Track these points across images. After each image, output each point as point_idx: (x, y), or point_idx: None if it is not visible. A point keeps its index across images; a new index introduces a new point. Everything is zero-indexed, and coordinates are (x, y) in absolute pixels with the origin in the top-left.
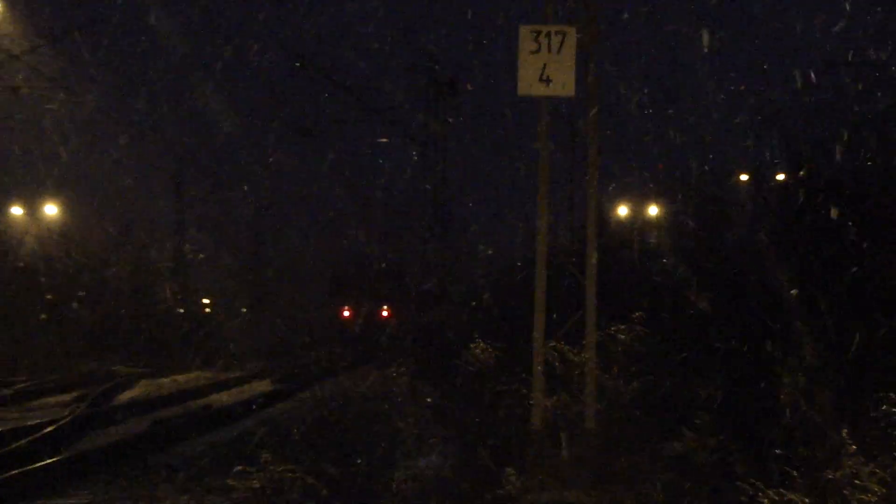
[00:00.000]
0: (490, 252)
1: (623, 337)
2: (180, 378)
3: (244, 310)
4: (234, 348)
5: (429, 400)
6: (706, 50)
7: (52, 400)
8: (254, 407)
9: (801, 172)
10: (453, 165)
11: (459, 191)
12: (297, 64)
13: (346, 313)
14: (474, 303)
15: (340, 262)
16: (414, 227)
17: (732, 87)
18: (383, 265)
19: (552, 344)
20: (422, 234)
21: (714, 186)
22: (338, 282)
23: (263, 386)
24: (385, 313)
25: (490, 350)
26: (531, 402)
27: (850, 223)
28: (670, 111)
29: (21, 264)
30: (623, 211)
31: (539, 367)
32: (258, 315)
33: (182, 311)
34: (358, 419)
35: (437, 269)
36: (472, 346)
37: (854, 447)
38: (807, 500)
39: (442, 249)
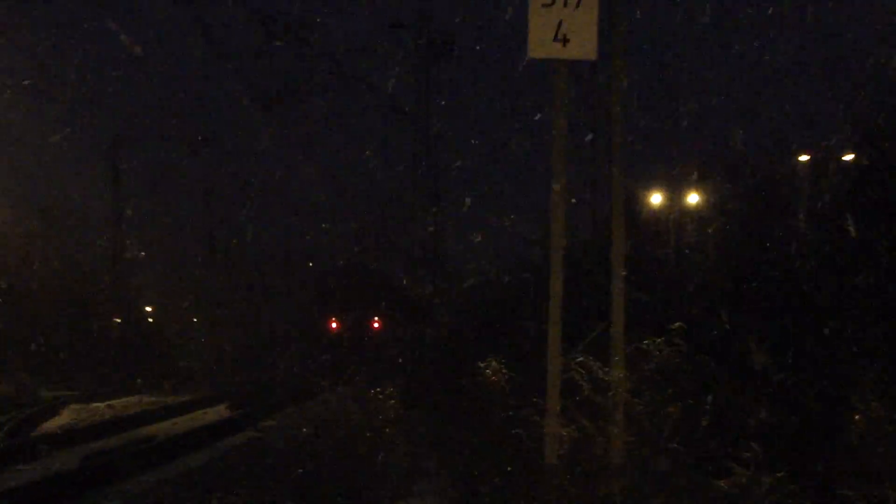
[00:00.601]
0: (496, 249)
1: (658, 352)
2: (117, 402)
3: (196, 319)
4: (183, 366)
5: (422, 430)
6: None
7: None
8: (207, 438)
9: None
10: (450, 145)
11: (457, 176)
12: (259, 21)
13: (334, 325)
14: (478, 311)
15: (321, 265)
16: (403, 220)
17: (792, 46)
18: (372, 268)
19: (578, 358)
20: (412, 230)
21: (768, 168)
22: (324, 289)
23: (220, 412)
24: (376, 325)
25: (503, 370)
26: (545, 431)
27: None
28: (712, 78)
29: None
30: (657, 199)
31: (554, 389)
32: (214, 325)
33: (119, 320)
34: (336, 451)
35: (431, 272)
36: (481, 364)
37: None
38: None
39: (437, 248)
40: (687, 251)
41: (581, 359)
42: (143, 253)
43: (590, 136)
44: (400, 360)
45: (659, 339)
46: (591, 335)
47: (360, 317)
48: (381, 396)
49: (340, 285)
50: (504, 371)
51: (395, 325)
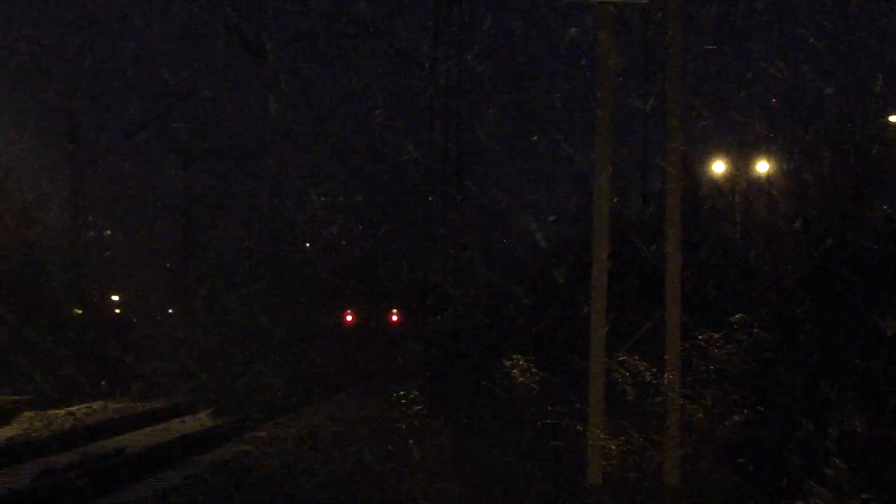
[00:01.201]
0: (529, 229)
1: (718, 350)
2: (78, 409)
3: (171, 310)
4: (156, 365)
5: (444, 442)
6: None
7: None
8: (184, 453)
9: None
10: (474, 105)
11: (484, 143)
12: None
13: (349, 318)
14: (504, 301)
15: (332, 250)
16: (419, 196)
17: None
18: (389, 255)
19: (620, 358)
20: (431, 206)
21: (856, 131)
22: (338, 279)
23: (201, 420)
24: (395, 318)
25: (533, 369)
26: (589, 443)
27: None
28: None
29: None
30: (719, 168)
31: (598, 394)
32: (193, 318)
33: (80, 311)
34: (342, 472)
35: (451, 256)
36: (506, 362)
37: None
38: None
39: (458, 227)
40: (756, 229)
41: (622, 358)
42: (107, 231)
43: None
44: (420, 359)
45: (719, 335)
46: (641, 330)
47: (380, 309)
48: (403, 402)
49: (355, 273)
50: (534, 370)
51: (413, 318)
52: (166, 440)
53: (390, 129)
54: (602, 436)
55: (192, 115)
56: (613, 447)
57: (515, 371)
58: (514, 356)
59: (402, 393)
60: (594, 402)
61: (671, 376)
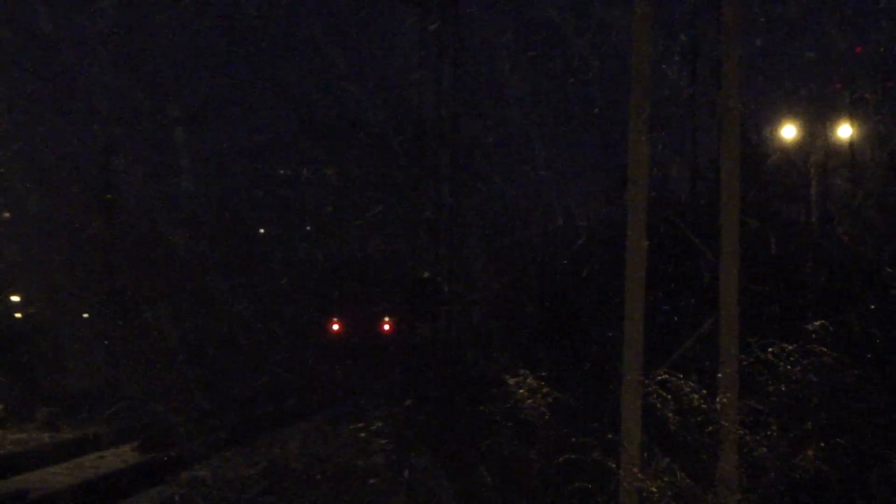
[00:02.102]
0: (546, 214)
1: (791, 367)
2: None
3: (86, 315)
4: (71, 385)
5: (431, 483)
6: None
7: None
8: (102, 497)
9: None
10: (480, 64)
11: (487, 110)
12: None
13: (336, 327)
14: (512, 303)
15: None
16: (403, 167)
17: None
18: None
19: (661, 376)
20: (419, 179)
21: None
22: (324, 282)
23: (122, 456)
24: (387, 327)
25: (543, 389)
26: (623, 485)
27: None
28: None
29: None
30: (790, 133)
31: (633, 421)
32: (115, 324)
33: None
34: None
35: (446, 248)
36: (510, 380)
37: None
38: None
39: (457, 211)
40: (837, 210)
41: (663, 376)
42: (6, 213)
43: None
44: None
45: (791, 346)
46: (689, 339)
47: (369, 317)
48: (362, 435)
49: (344, 276)
50: (546, 391)
51: (403, 326)
52: (81, 481)
53: (363, 76)
54: (639, 475)
55: (121, 63)
56: (654, 490)
57: (522, 391)
58: (522, 372)
59: (360, 425)
60: (628, 431)
61: (725, 399)
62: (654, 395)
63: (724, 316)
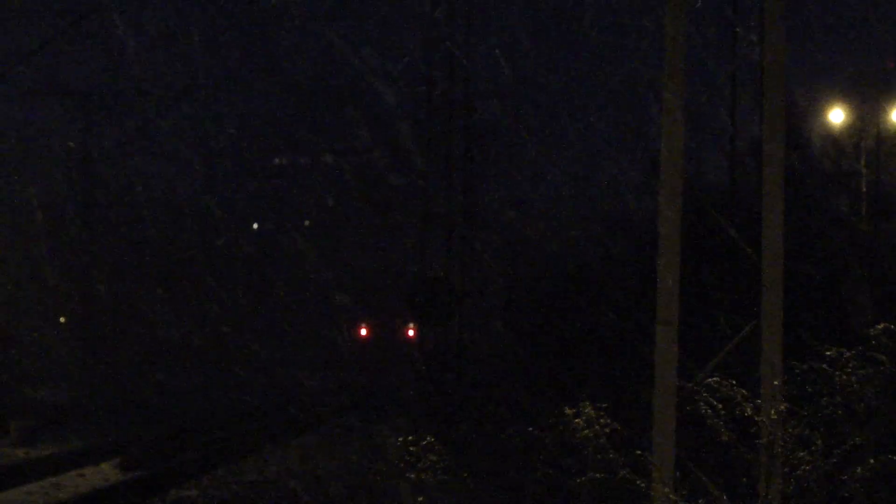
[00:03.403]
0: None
1: (847, 377)
2: None
3: (63, 319)
4: (43, 396)
5: None
6: None
7: None
8: None
9: None
10: (495, 41)
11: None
12: None
13: (364, 332)
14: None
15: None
16: (411, 154)
17: None
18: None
19: (707, 380)
20: (427, 168)
21: None
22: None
23: (104, 474)
24: (411, 332)
25: (602, 419)
26: None
27: None
28: None
29: None
30: (838, 117)
31: (666, 433)
32: (94, 330)
33: None
34: None
35: (458, 242)
36: (568, 411)
37: None
38: None
39: (468, 199)
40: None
41: (714, 379)
42: None
43: None
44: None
45: (849, 353)
46: (732, 342)
47: (396, 321)
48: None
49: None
50: (603, 420)
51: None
52: (59, 502)
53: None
54: (672, 496)
55: (92, 45)
56: None
57: (579, 420)
58: (582, 402)
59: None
60: (660, 444)
61: (769, 411)
62: (703, 403)
63: (767, 320)
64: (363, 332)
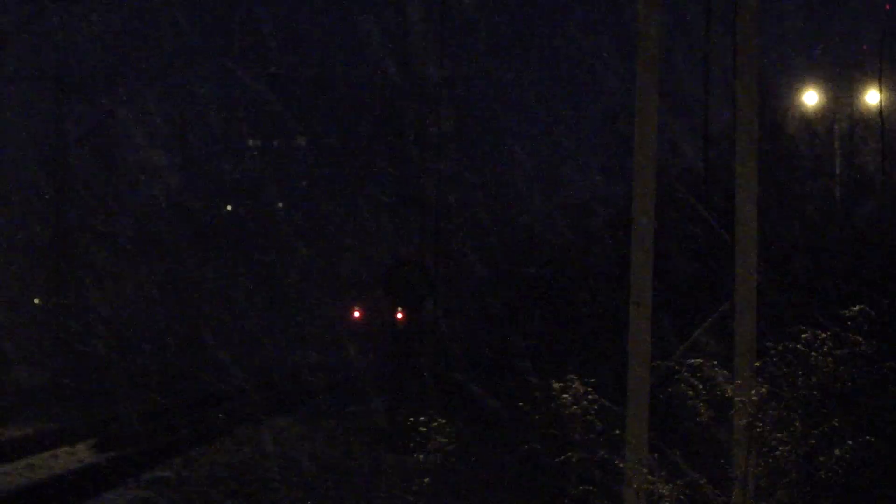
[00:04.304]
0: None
1: (823, 357)
2: None
3: (36, 300)
4: (16, 377)
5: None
6: None
7: None
8: (57, 501)
9: None
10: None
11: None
12: None
13: (357, 314)
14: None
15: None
16: (386, 134)
17: None
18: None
19: (692, 361)
20: (402, 148)
21: None
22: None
23: (78, 455)
24: (400, 315)
25: (591, 395)
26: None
27: None
28: None
29: None
30: (811, 99)
31: (639, 410)
32: (69, 310)
33: None
34: None
35: (430, 220)
36: (554, 383)
37: None
38: None
39: (441, 178)
40: (865, 182)
41: (696, 361)
42: None
43: None
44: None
45: (824, 334)
46: (706, 322)
47: (386, 304)
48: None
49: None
50: (592, 396)
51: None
52: (31, 483)
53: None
54: (650, 477)
55: (72, 27)
56: (664, 491)
57: (566, 396)
58: (569, 377)
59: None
60: (634, 421)
61: (745, 389)
62: (685, 384)
63: (741, 301)
64: (356, 314)
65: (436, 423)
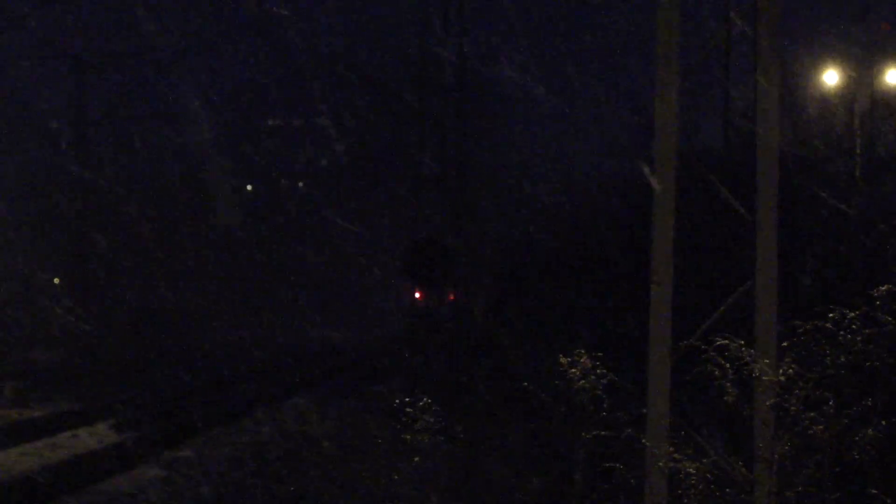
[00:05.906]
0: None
1: (851, 337)
2: None
3: (57, 280)
4: (38, 358)
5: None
6: None
7: None
8: (78, 480)
9: None
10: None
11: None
12: None
13: (417, 295)
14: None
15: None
16: (406, 118)
17: None
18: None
19: (719, 342)
20: (423, 131)
21: None
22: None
23: (98, 434)
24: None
25: (599, 370)
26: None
27: None
28: None
29: None
30: (832, 78)
31: (661, 389)
32: (89, 291)
33: None
34: None
35: (451, 202)
36: (561, 358)
37: None
38: None
39: (461, 156)
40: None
41: (723, 342)
42: None
43: None
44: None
45: (852, 314)
46: (728, 300)
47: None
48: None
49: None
50: (600, 371)
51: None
52: (53, 462)
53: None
54: (675, 455)
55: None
56: (692, 470)
57: (574, 370)
58: (577, 351)
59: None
60: (655, 400)
61: (766, 367)
62: (712, 364)
63: (761, 280)
64: (418, 295)
65: (422, 404)
